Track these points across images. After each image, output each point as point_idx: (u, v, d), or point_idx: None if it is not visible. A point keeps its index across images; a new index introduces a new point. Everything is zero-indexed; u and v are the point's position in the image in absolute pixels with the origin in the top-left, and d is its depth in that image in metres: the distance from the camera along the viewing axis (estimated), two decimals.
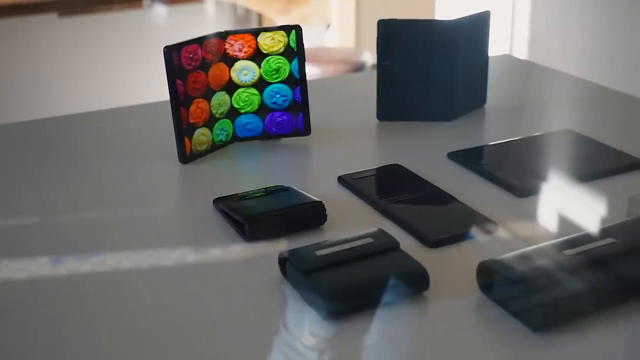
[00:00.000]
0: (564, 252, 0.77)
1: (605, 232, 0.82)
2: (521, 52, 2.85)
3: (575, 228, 0.89)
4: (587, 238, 0.80)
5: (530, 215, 0.96)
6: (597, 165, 1.08)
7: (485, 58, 1.31)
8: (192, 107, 1.10)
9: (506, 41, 2.93)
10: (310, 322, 0.74)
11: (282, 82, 1.15)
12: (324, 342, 0.72)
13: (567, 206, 0.98)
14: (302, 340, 0.72)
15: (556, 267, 0.75)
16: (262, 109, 1.16)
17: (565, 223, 0.94)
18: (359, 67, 3.15)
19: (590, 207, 0.98)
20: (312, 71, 2.97)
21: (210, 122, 1.13)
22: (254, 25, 3.99)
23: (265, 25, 3.49)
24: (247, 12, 3.95)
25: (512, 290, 0.74)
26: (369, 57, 3.19)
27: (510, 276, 0.74)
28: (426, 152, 1.14)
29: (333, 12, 3.80)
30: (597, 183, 1.03)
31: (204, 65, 1.10)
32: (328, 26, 3.86)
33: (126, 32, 3.71)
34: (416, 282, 0.77)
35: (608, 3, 2.53)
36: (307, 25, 3.72)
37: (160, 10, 3.72)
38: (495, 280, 0.76)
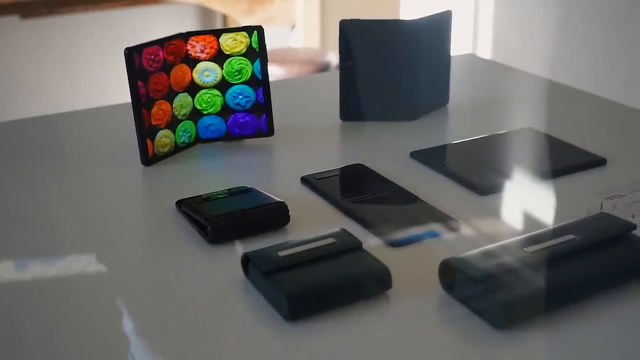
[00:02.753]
0: (524, 249, 0.78)
1: (565, 229, 0.82)
2: (485, 52, 2.87)
3: (536, 225, 0.90)
4: (547, 235, 0.81)
5: (492, 213, 0.97)
6: (558, 163, 1.09)
7: (447, 57, 1.32)
8: (154, 109, 1.09)
9: (470, 41, 2.95)
10: (272, 322, 0.74)
11: (244, 83, 1.14)
12: (286, 343, 0.72)
13: (528, 204, 0.99)
14: (265, 341, 0.72)
15: (517, 265, 0.76)
16: (225, 110, 1.15)
17: (526, 220, 0.95)
18: (324, 68, 3.15)
19: (551, 205, 0.99)
20: (277, 72, 2.97)
21: (172, 123, 1.12)
22: (218, 26, 3.97)
23: (230, 26, 3.48)
24: (212, 13, 3.94)
25: (473, 288, 0.74)
26: (334, 57, 3.19)
27: (471, 274, 0.74)
28: (389, 151, 1.15)
29: (298, 13, 3.80)
30: (558, 180, 1.04)
31: (166, 67, 1.10)
32: (293, 27, 3.86)
33: (89, 34, 3.68)
34: (378, 282, 0.78)
35: (569, 2, 2.55)
36: (272, 26, 3.71)
37: (124, 11, 3.69)
38: (457, 279, 0.76)
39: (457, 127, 1.29)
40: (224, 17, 3.94)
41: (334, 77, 1.29)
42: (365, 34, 1.22)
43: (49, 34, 3.60)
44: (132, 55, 1.05)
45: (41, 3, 3.36)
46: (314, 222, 0.93)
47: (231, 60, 1.13)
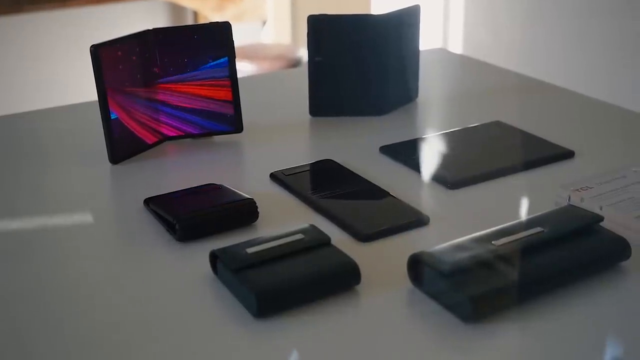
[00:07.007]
0: (493, 242, 0.78)
1: (533, 221, 0.83)
2: (455, 46, 2.88)
3: (505, 218, 0.90)
4: (515, 228, 0.81)
5: (462, 207, 0.97)
6: (526, 155, 1.09)
7: (416, 52, 1.32)
8: None
9: (440, 35, 2.96)
10: (241, 320, 0.74)
11: None
12: (256, 340, 0.71)
13: (497, 197, 0.99)
14: (234, 338, 0.71)
15: (484, 258, 0.76)
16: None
17: (495, 213, 0.95)
18: (295, 63, 3.14)
19: (520, 197, 0.99)
20: (248, 68, 2.95)
21: None
22: (189, 22, 3.95)
23: (200, 22, 3.46)
24: (182, 9, 3.92)
25: (441, 282, 0.74)
26: (305, 53, 3.19)
27: (439, 268, 0.74)
28: (358, 146, 1.14)
29: (269, 9, 3.79)
30: (527, 173, 1.05)
31: None
32: (264, 23, 3.85)
33: (57, 32, 3.64)
34: (347, 277, 0.78)
35: None
36: (243, 22, 3.70)
37: (93, 8, 3.66)
38: (425, 273, 0.76)
39: (427, 121, 1.29)
40: (195, 14, 3.93)
41: (304, 72, 1.28)
42: (334, 29, 1.22)
43: (15, 32, 3.56)
44: (98, 52, 1.04)
45: (7, 1, 3.33)
46: (283, 219, 0.93)
47: None
